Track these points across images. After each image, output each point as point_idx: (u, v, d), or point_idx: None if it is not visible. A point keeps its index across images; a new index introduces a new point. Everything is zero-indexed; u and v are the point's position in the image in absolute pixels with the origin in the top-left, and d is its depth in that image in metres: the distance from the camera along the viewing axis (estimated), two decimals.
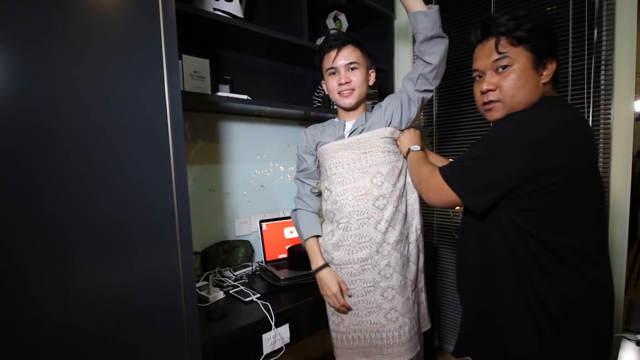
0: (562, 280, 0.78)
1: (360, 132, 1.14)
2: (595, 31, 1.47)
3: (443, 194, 0.87)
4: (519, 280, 0.82)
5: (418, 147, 1.11)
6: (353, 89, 1.13)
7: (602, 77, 1.48)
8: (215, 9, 1.32)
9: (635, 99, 1.43)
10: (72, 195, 0.69)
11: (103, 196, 0.72)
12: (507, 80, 0.85)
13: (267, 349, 1.10)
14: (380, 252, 1.08)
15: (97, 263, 0.72)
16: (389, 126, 1.14)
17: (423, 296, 1.27)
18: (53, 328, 0.68)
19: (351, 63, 1.12)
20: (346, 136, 1.16)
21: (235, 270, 1.48)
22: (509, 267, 0.83)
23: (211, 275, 1.40)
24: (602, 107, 1.49)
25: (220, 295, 1.25)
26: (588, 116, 1.52)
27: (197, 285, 1.28)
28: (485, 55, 0.88)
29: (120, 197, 0.75)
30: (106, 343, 0.75)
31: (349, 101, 1.14)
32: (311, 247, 1.19)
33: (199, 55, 1.34)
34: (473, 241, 0.92)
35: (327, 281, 1.11)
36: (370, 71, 1.19)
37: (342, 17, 1.90)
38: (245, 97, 1.38)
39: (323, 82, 1.21)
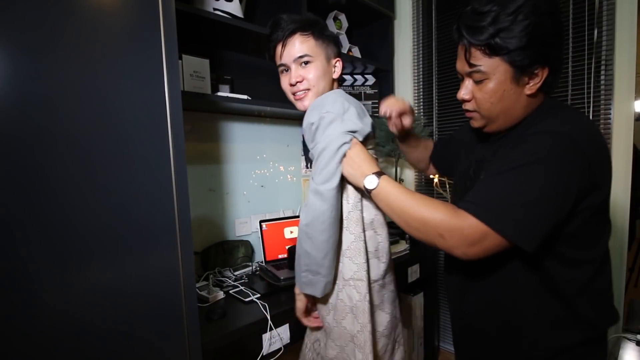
0: (598, 287, 0.74)
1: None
2: (595, 31, 1.47)
3: (489, 244, 0.67)
4: (554, 297, 0.73)
5: (375, 180, 0.78)
6: (308, 89, 0.93)
7: (602, 77, 1.48)
8: (215, 9, 1.32)
9: (635, 99, 1.43)
10: (72, 195, 0.69)
11: (103, 196, 0.72)
12: (481, 93, 0.73)
13: (266, 349, 1.10)
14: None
15: (97, 263, 0.72)
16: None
17: None
18: (56, 325, 0.68)
19: (302, 57, 0.91)
20: None
21: (235, 270, 1.48)
22: (540, 291, 0.74)
23: (211, 275, 1.40)
24: (602, 107, 1.49)
25: (220, 295, 1.25)
26: (588, 116, 1.52)
27: (197, 285, 1.27)
28: (461, 59, 0.75)
29: (119, 197, 0.74)
30: (106, 342, 0.74)
31: (304, 104, 0.94)
32: None
33: (199, 55, 1.34)
34: (487, 275, 0.79)
35: None
36: (335, 60, 0.97)
37: (342, 17, 1.90)
38: (245, 97, 1.38)
39: None
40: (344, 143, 0.84)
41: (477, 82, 0.73)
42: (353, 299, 0.89)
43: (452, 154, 1.02)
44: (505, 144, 0.77)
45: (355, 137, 0.86)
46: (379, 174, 0.79)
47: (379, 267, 0.93)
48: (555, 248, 0.70)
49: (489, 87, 0.71)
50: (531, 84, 0.70)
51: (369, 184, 0.79)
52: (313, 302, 1.00)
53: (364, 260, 0.89)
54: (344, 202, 0.90)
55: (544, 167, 0.64)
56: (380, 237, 0.93)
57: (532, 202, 0.64)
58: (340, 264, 0.91)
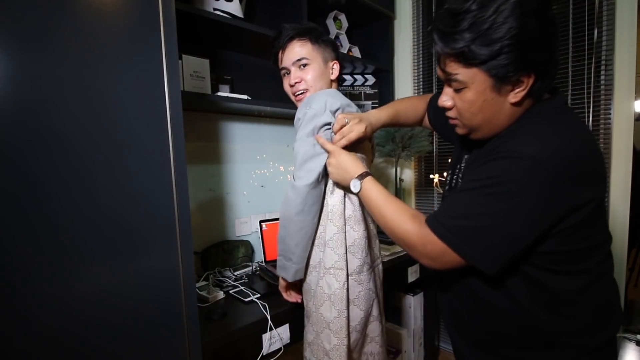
0: (597, 297, 0.68)
1: None
2: (595, 31, 1.47)
3: (449, 260, 0.66)
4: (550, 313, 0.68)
5: (358, 184, 0.83)
6: (306, 89, 1.01)
7: (602, 77, 1.49)
8: (215, 9, 1.32)
9: (635, 99, 1.43)
10: (72, 194, 0.69)
11: (103, 196, 0.72)
12: (460, 102, 0.68)
13: (266, 349, 1.10)
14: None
15: (97, 263, 0.72)
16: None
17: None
18: (56, 325, 0.68)
19: (300, 60, 1.00)
20: None
21: (235, 270, 1.48)
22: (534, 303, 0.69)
23: (211, 275, 1.40)
24: (602, 107, 1.49)
25: (220, 295, 1.25)
26: (588, 116, 1.52)
27: (197, 285, 1.28)
28: (438, 65, 0.70)
29: (119, 197, 0.74)
30: (106, 342, 0.74)
31: None
32: None
33: (199, 55, 1.34)
34: (474, 292, 0.75)
35: None
36: (332, 63, 1.04)
37: (342, 17, 1.90)
38: (245, 97, 1.38)
39: None
40: (314, 144, 0.91)
41: (456, 91, 0.68)
42: (332, 286, 0.94)
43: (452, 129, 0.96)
44: (484, 153, 0.73)
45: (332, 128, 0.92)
46: (362, 176, 0.84)
47: (353, 262, 0.97)
48: (533, 262, 0.66)
49: (467, 96, 0.66)
50: (516, 91, 0.64)
51: (353, 188, 0.85)
52: (299, 287, 1.09)
53: (344, 251, 0.94)
54: (330, 195, 0.96)
55: (507, 193, 0.60)
56: (356, 234, 0.97)
57: (493, 227, 0.62)
58: (322, 253, 0.96)
